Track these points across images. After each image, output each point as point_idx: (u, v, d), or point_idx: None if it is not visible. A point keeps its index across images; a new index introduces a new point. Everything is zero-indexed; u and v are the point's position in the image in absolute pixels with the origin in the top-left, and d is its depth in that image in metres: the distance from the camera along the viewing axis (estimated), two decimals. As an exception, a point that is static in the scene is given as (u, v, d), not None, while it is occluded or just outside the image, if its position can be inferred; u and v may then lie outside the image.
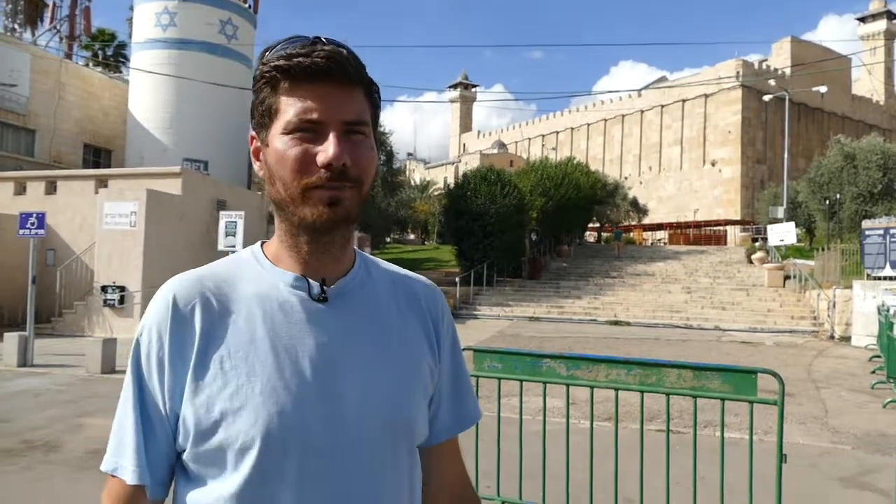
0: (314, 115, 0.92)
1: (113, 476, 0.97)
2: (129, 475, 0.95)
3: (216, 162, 24.32)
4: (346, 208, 0.95)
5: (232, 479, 0.91)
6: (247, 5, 26.62)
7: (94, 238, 16.56)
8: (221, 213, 14.42)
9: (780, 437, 3.81)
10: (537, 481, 4.44)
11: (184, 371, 0.94)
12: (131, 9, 28.66)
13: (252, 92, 0.99)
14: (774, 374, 3.82)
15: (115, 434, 0.98)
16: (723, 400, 3.96)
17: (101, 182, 18.12)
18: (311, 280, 0.99)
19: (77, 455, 5.96)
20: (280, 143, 0.94)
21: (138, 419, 0.96)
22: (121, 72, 35.27)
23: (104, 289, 15.80)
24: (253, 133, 1.00)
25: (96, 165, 25.63)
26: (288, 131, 0.94)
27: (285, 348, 0.95)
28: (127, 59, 38.59)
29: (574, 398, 4.43)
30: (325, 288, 0.99)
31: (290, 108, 0.93)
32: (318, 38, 0.94)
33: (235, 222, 13.40)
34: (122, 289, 15.76)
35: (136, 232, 15.92)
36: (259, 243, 1.06)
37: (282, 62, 0.92)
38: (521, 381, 4.45)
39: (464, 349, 4.38)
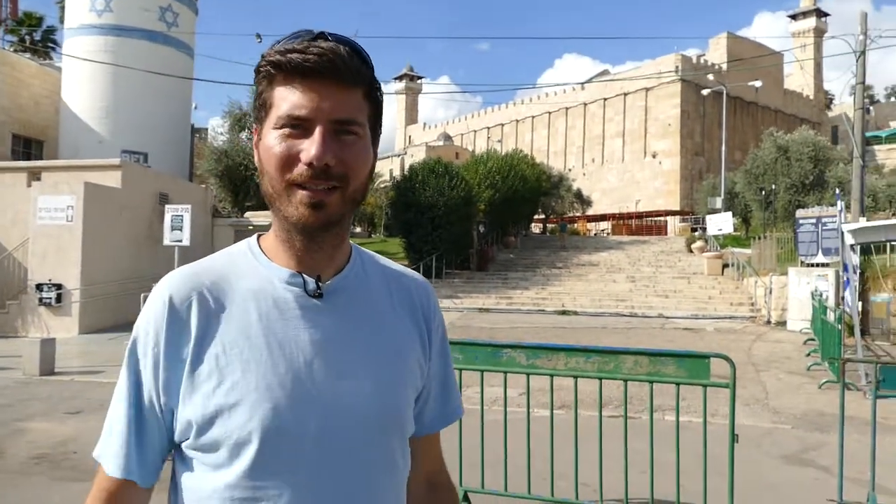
0: (302, 112, 0.92)
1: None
2: (110, 467, 0.98)
3: (157, 154, 23.58)
4: (329, 213, 0.95)
5: (229, 472, 0.93)
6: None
7: (27, 234, 15.85)
8: (167, 206, 14.02)
9: (733, 418, 3.96)
10: (499, 470, 4.50)
11: (180, 368, 0.95)
12: (62, -8, 27.49)
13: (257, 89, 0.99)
14: (727, 359, 3.96)
15: (107, 423, 1.00)
16: (678, 384, 4.09)
17: (34, 175, 17.33)
18: (306, 276, 0.99)
19: (20, 461, 5.72)
20: (270, 137, 0.95)
21: (130, 414, 0.97)
22: (51, 58, 33.80)
23: (39, 287, 15.18)
24: (255, 126, 1.01)
25: (27, 157, 24.49)
26: (278, 126, 0.94)
27: (280, 344, 0.96)
28: (57, 44, 37.08)
29: (532, 387, 4.50)
30: (320, 284, 0.99)
31: (282, 103, 0.94)
32: (323, 33, 0.95)
33: (182, 216, 13.05)
34: (59, 287, 15.17)
35: (73, 227, 15.33)
36: (256, 236, 1.06)
37: (277, 57, 0.93)
38: (482, 371, 4.49)
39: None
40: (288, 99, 0.93)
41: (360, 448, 0.98)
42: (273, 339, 0.96)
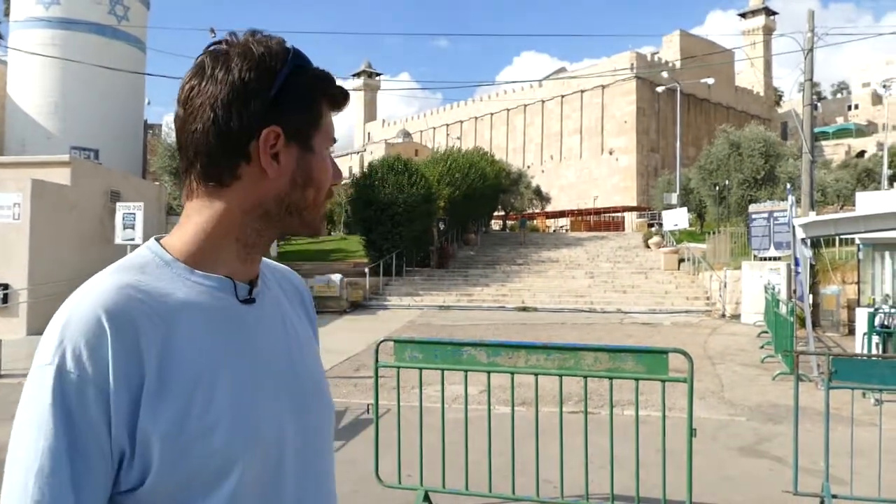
0: (335, 136, 1.01)
1: None
2: None
3: (108, 151, 22.95)
4: None
5: (215, 500, 0.86)
6: (137, -15, 25.23)
7: (-29, 233, 15.27)
8: (118, 204, 13.65)
9: (690, 412, 4.00)
10: (460, 469, 4.47)
11: (133, 397, 0.82)
12: (6, -16, 26.59)
13: (288, 86, 0.93)
14: (684, 354, 4.00)
15: (21, 487, 0.79)
16: (637, 380, 4.12)
17: (-22, 172, 16.72)
18: (237, 282, 0.96)
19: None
20: (325, 154, 0.99)
21: (71, 463, 0.79)
22: (-5, 52, 32.62)
23: (-16, 287, 14.64)
24: (277, 128, 0.92)
25: (-30, 154, 23.68)
26: (328, 146, 1.00)
27: (238, 354, 0.93)
28: (1, 36, 35.82)
29: (493, 384, 4.48)
30: (252, 290, 0.98)
31: (330, 127, 0.99)
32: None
33: (134, 214, 12.72)
34: (6, 287, 14.64)
35: (20, 225, 14.81)
36: (154, 242, 0.96)
37: (331, 85, 0.98)
38: (443, 370, 4.46)
39: (382, 341, 4.32)
40: (332, 124, 1.00)
41: (324, 443, 1.04)
42: (229, 351, 0.92)
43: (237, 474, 0.87)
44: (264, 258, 1.09)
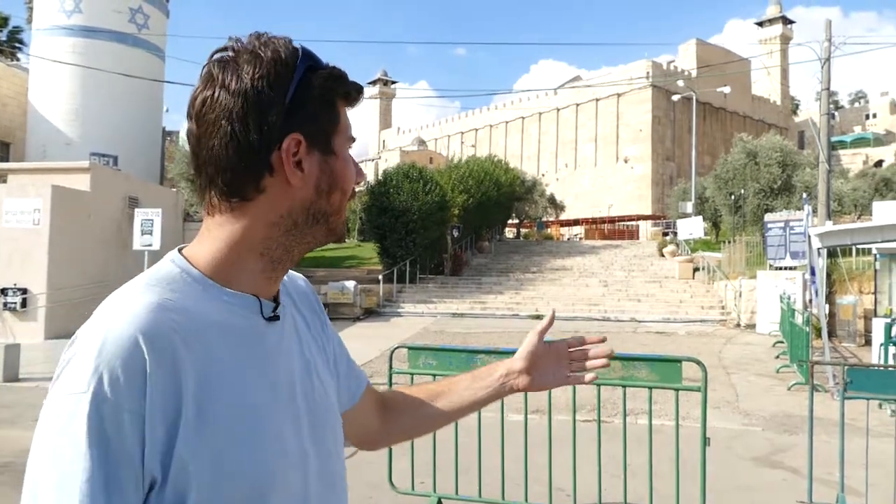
0: (353, 134, 0.98)
1: None
2: None
3: (126, 157, 23.23)
4: None
5: None
6: (158, -7, 25.55)
7: (-8, 238, 15.51)
8: (137, 210, 13.81)
9: (704, 422, 4.00)
10: (473, 475, 4.49)
11: (169, 424, 0.79)
12: (30, -8, 27.03)
13: (303, 89, 0.89)
14: (698, 362, 4.01)
15: None
16: (650, 388, 4.13)
17: (0, 177, 17.00)
18: (262, 300, 0.93)
19: (-17, 469, 5.59)
20: (348, 156, 0.96)
21: (108, 500, 0.75)
22: (17, 59, 33.16)
23: (4, 291, 14.84)
24: (298, 135, 0.89)
25: (-7, 160, 24.03)
26: (348, 145, 0.96)
27: (266, 378, 0.90)
28: (24, 44, 36.38)
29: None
30: (276, 307, 0.96)
31: (347, 124, 0.96)
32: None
33: (152, 220, 12.85)
34: (25, 291, 14.86)
35: (40, 230, 15.03)
36: (179, 255, 0.91)
37: (345, 82, 0.94)
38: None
39: (396, 348, 4.35)
40: (349, 123, 0.96)
41: (339, 454, 1.03)
42: (259, 373, 0.90)
43: (274, 501, 0.86)
44: None
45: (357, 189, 0.93)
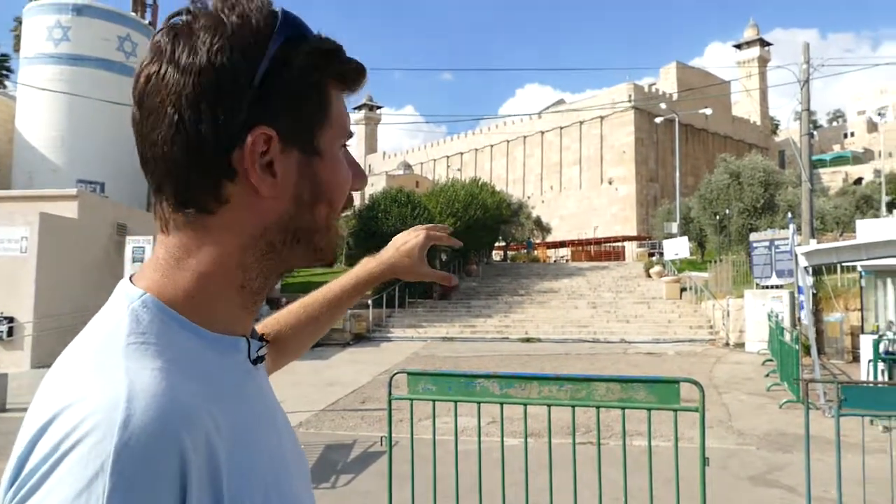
0: (351, 129, 0.77)
1: None
2: None
3: (114, 184, 23.15)
4: None
5: None
6: (147, 22, 25.65)
7: (-23, 267, 15.36)
8: (128, 238, 13.75)
9: (703, 442, 4.04)
10: (473, 500, 4.48)
11: None
12: (17, 21, 27.05)
13: (279, 67, 0.67)
14: (695, 383, 4.05)
15: None
16: (649, 410, 4.16)
17: (-15, 206, 16.88)
18: (250, 340, 0.76)
19: (-25, 503, 5.50)
20: (338, 153, 0.75)
21: None
22: (4, 86, 33.08)
23: (-10, 321, 14.69)
24: (269, 129, 0.67)
25: (-23, 188, 23.86)
26: (341, 142, 0.75)
27: (275, 437, 0.77)
28: (11, 71, 36.34)
29: (498, 415, 4.53)
30: (262, 346, 0.79)
31: (341, 115, 0.74)
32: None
33: (143, 248, 12.82)
34: (11, 320, 14.71)
35: (27, 259, 14.91)
36: (149, 295, 0.69)
37: (339, 58, 0.73)
38: (456, 402, 4.50)
39: (396, 373, 4.37)
40: (344, 113, 0.75)
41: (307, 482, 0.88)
42: (266, 430, 0.75)
43: None
44: None
45: (355, 192, 0.77)
